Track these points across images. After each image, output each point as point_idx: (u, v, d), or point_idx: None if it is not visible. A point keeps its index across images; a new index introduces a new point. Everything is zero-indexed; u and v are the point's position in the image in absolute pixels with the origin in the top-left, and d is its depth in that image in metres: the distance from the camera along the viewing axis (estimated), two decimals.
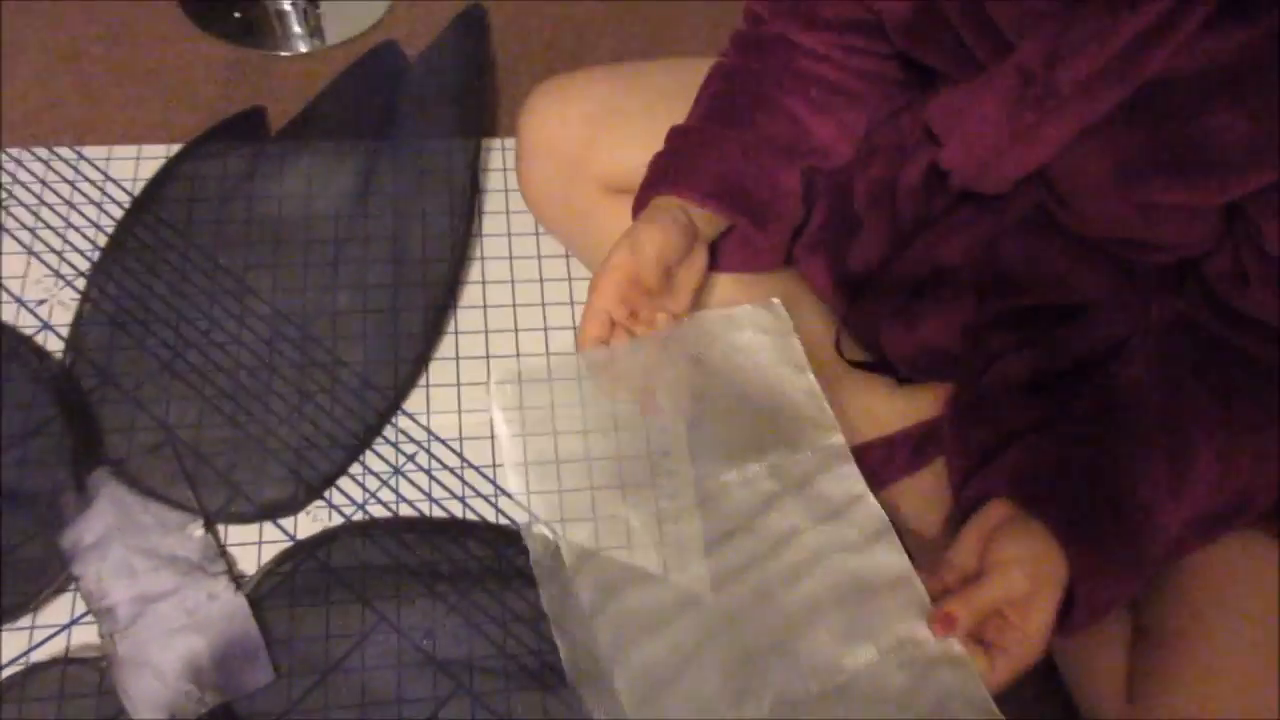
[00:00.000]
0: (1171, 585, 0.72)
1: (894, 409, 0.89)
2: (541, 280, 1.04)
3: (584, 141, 0.89)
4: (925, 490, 0.84)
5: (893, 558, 0.73)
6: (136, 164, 1.07)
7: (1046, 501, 0.67)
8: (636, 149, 0.82)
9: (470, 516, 0.90)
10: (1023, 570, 0.65)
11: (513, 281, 1.04)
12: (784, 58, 0.80)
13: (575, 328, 1.00)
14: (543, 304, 1.02)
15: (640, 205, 0.79)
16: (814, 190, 0.85)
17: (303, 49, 1.21)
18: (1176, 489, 0.66)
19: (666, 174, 0.78)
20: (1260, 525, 0.70)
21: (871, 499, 0.76)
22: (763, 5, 0.82)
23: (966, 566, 0.67)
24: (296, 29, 1.23)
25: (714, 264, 0.83)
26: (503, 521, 0.90)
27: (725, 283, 0.88)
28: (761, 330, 0.81)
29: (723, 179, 0.77)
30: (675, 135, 0.81)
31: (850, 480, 0.77)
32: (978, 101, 0.68)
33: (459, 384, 0.97)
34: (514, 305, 1.02)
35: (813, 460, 0.78)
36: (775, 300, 0.83)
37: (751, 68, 0.81)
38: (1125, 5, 0.58)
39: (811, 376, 0.80)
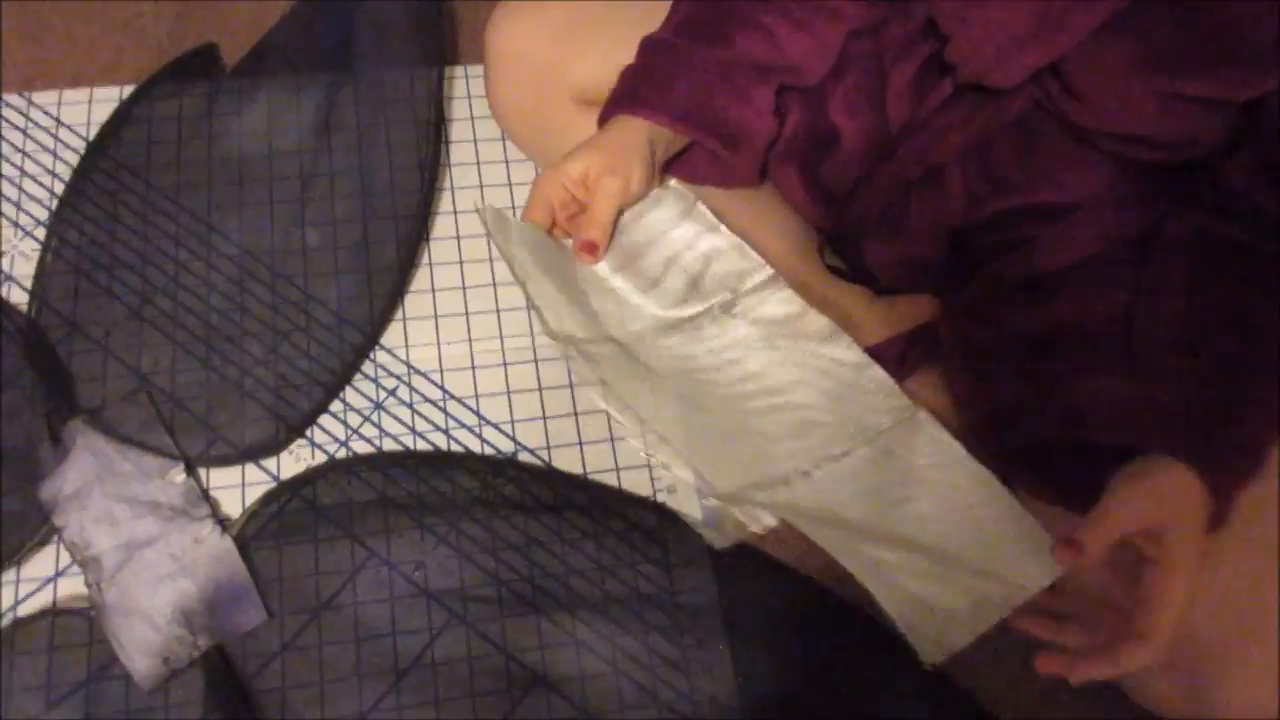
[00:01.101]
0: None
1: (873, 320, 0.89)
2: (514, 207, 1.02)
3: (554, 53, 0.87)
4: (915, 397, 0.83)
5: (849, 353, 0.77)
6: (89, 107, 1.04)
7: (1202, 455, 0.63)
8: (609, 60, 0.80)
9: (455, 448, 0.89)
10: (1152, 495, 0.62)
11: (482, 185, 1.02)
12: None
13: None
14: (516, 206, 1.00)
15: (606, 118, 0.77)
16: (785, 103, 0.84)
17: None
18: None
19: (637, 93, 0.76)
20: None
21: (814, 313, 0.78)
22: None
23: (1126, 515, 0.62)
24: None
25: (685, 175, 0.81)
26: (488, 451, 0.90)
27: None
28: (668, 208, 0.80)
29: (694, 101, 0.75)
30: (647, 49, 0.79)
31: (790, 302, 0.78)
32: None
33: (436, 316, 0.96)
34: (487, 234, 1.00)
35: (753, 296, 0.78)
36: (671, 181, 0.81)
37: None
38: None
39: (726, 230, 0.80)
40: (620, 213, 0.77)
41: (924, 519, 0.71)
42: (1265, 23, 0.59)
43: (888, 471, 0.74)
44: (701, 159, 0.81)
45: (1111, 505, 0.62)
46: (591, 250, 0.75)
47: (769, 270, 0.79)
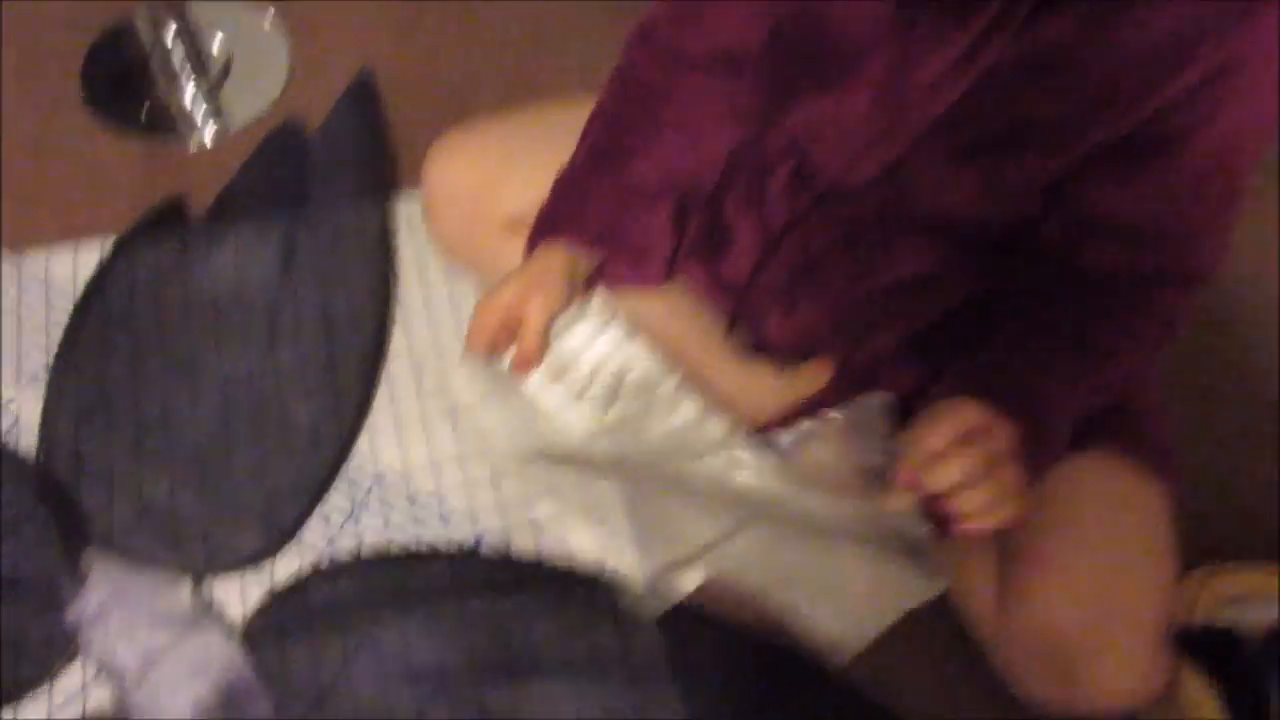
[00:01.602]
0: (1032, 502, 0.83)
1: (778, 391, 1.02)
2: (458, 320, 1.15)
3: (485, 186, 0.99)
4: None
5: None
6: (74, 262, 1.16)
7: (994, 395, 0.74)
8: (534, 189, 0.93)
9: (424, 540, 1.02)
10: (968, 406, 0.72)
11: (431, 324, 1.15)
12: (654, 102, 0.91)
13: None
14: (462, 335, 1.14)
15: (532, 246, 0.90)
16: (686, 212, 0.98)
17: (209, 135, 1.30)
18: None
19: (555, 222, 0.90)
20: (1119, 447, 0.83)
21: (713, 420, 0.93)
22: (636, 51, 0.93)
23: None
24: (201, 117, 1.32)
25: (605, 283, 0.94)
26: (454, 540, 1.02)
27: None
28: (591, 321, 0.93)
29: (603, 224, 0.89)
30: (560, 183, 0.92)
31: (694, 410, 0.92)
32: (841, 109, 0.80)
33: (398, 423, 1.08)
34: (437, 345, 1.14)
35: (664, 407, 0.93)
36: (595, 295, 0.94)
37: (626, 112, 0.92)
38: (959, 14, 0.70)
39: (640, 341, 0.94)
40: (549, 328, 0.90)
41: (827, 550, 0.85)
42: (1050, 108, 0.72)
43: (794, 525, 0.88)
44: (616, 270, 0.95)
45: (919, 427, 0.73)
46: (527, 364, 0.87)
47: (675, 379, 0.93)
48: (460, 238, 1.05)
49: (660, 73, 0.91)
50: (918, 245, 0.88)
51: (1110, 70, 0.68)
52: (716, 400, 1.02)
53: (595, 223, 0.89)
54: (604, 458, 0.89)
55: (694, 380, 1.03)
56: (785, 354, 1.00)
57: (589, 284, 0.94)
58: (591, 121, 0.94)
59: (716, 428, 0.92)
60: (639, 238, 0.91)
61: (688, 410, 0.92)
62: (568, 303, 0.89)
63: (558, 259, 0.88)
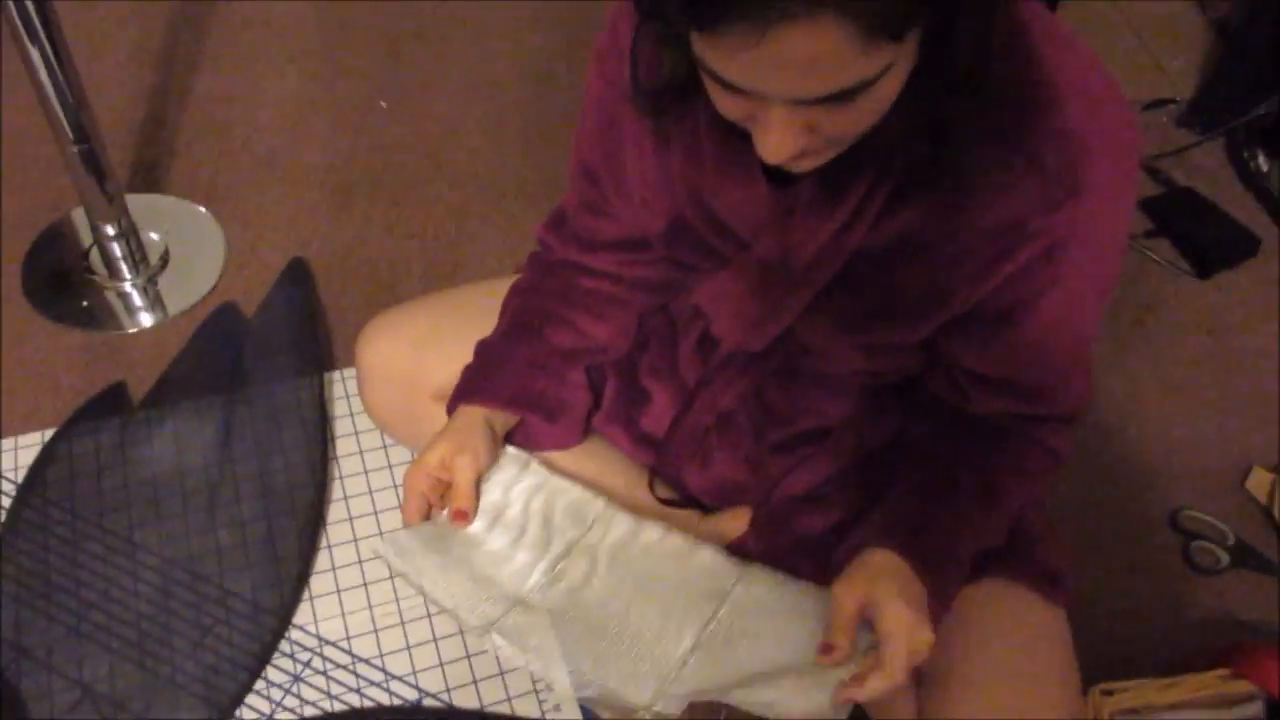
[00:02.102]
0: (943, 634, 0.88)
1: (704, 536, 1.09)
2: (395, 486, 1.21)
3: (414, 362, 1.06)
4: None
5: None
6: (15, 454, 1.20)
7: (906, 544, 0.83)
8: (460, 363, 1.00)
9: (367, 704, 1.04)
10: (869, 572, 0.81)
11: (370, 492, 1.20)
12: (568, 278, 1.00)
13: None
14: (400, 507, 1.19)
15: (452, 409, 0.97)
16: (601, 375, 1.06)
17: (148, 323, 1.37)
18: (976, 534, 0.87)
19: (473, 386, 0.97)
20: (1014, 575, 0.89)
21: (648, 525, 0.99)
22: (550, 235, 1.02)
23: (849, 602, 0.81)
24: (140, 307, 1.39)
25: (522, 443, 1.00)
26: (396, 703, 1.05)
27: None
28: (509, 468, 0.99)
29: (518, 387, 0.96)
30: (479, 351, 0.99)
31: (626, 522, 0.98)
32: (735, 285, 0.89)
33: (339, 590, 1.12)
34: (375, 512, 1.19)
35: (598, 528, 0.98)
36: (508, 448, 1.00)
37: (543, 287, 1.01)
38: (828, 206, 0.79)
39: (558, 477, 1.00)
40: (477, 482, 0.95)
41: (779, 643, 0.90)
42: (915, 282, 0.82)
43: (741, 620, 0.92)
44: (534, 430, 1.01)
45: (838, 595, 0.81)
46: (463, 516, 0.92)
47: (603, 500, 0.99)
48: (394, 411, 1.11)
49: (572, 252, 0.99)
50: (818, 400, 0.97)
51: (955, 254, 0.78)
52: None
53: (508, 386, 0.96)
54: (562, 604, 0.94)
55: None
56: (705, 503, 1.07)
57: (504, 443, 1.00)
58: (511, 296, 1.02)
59: (652, 530, 0.98)
60: (552, 397, 0.99)
61: (622, 523, 0.98)
62: (492, 458, 0.95)
63: (476, 419, 0.95)
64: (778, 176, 0.80)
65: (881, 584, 0.81)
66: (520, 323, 1.00)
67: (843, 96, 0.62)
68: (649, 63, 0.77)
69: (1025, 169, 0.73)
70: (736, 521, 1.08)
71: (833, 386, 0.97)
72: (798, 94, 0.63)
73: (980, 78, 0.67)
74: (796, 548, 0.97)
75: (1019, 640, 0.88)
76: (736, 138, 0.75)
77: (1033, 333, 0.82)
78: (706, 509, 1.08)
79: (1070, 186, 0.74)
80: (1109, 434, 1.34)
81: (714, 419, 1.00)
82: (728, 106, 0.68)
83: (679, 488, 1.07)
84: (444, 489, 0.94)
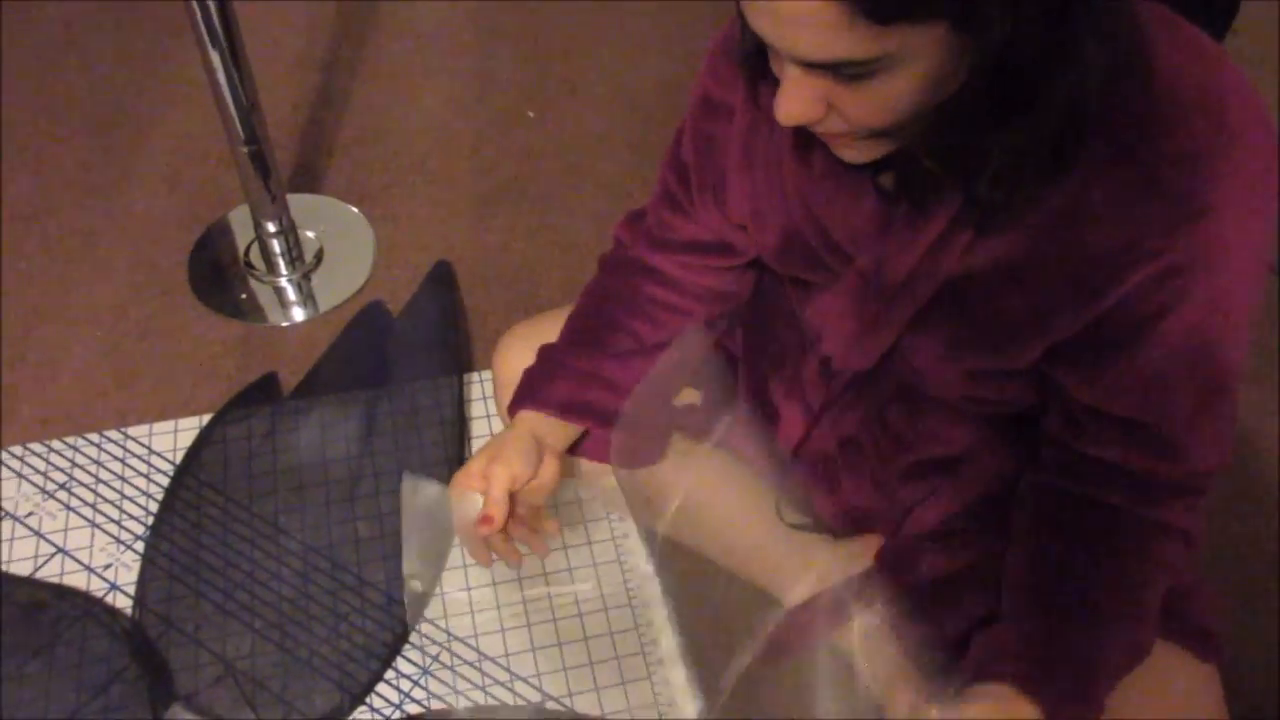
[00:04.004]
0: None
1: (834, 561, 1.07)
2: None
3: None
4: (872, 629, 1.00)
5: None
6: (174, 436, 1.26)
7: (1010, 669, 0.79)
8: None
9: (491, 702, 1.06)
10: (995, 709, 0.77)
11: None
12: (633, 283, 1.00)
13: (562, 527, 1.19)
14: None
15: (512, 413, 0.97)
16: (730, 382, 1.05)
17: (300, 318, 1.42)
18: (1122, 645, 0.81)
19: (528, 392, 0.97)
20: (1162, 633, 0.83)
21: None
22: (624, 231, 1.02)
23: None
24: (294, 301, 1.45)
25: (590, 455, 1.01)
26: (519, 703, 1.06)
27: (668, 464, 1.07)
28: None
29: (570, 396, 0.96)
30: (541, 355, 1.00)
31: None
32: (835, 301, 0.88)
33: (469, 588, 1.14)
34: None
35: None
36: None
37: (608, 290, 1.01)
38: (920, 221, 0.77)
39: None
40: (506, 492, 0.91)
41: None
42: (1018, 306, 0.77)
43: None
44: (596, 440, 1.00)
45: (965, 707, 0.77)
46: (488, 521, 0.90)
47: None
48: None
49: (641, 249, 0.99)
50: (939, 426, 0.94)
51: (1059, 277, 0.73)
52: (763, 571, 1.07)
53: (561, 393, 0.96)
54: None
55: (742, 550, 1.08)
56: (835, 528, 1.05)
57: (573, 452, 1.00)
58: (581, 296, 1.03)
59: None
60: (610, 410, 0.97)
61: None
62: (531, 469, 0.92)
63: (523, 427, 0.94)
64: (885, 192, 0.78)
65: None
66: (581, 328, 1.00)
67: (842, 72, 0.62)
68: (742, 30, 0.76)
69: (1140, 190, 0.68)
70: (866, 551, 1.07)
71: (952, 413, 0.93)
72: (794, 52, 0.63)
73: (1047, 102, 0.63)
74: (922, 591, 0.94)
75: (1169, 703, 0.83)
76: None
77: (1147, 364, 0.75)
78: (835, 535, 1.07)
79: (1192, 210, 0.68)
80: (1259, 463, 1.26)
81: (837, 443, 0.99)
82: (773, 63, 0.68)
83: (808, 510, 1.06)
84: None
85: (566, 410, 0.96)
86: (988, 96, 0.63)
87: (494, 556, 0.93)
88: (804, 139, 0.80)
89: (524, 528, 0.94)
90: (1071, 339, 0.76)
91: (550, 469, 0.95)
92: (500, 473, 0.90)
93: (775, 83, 0.69)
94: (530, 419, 0.95)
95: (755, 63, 0.75)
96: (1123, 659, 0.80)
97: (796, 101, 0.66)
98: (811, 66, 0.63)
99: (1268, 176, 0.70)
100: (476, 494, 0.91)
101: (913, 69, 0.62)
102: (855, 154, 0.73)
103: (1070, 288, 0.73)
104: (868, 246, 0.82)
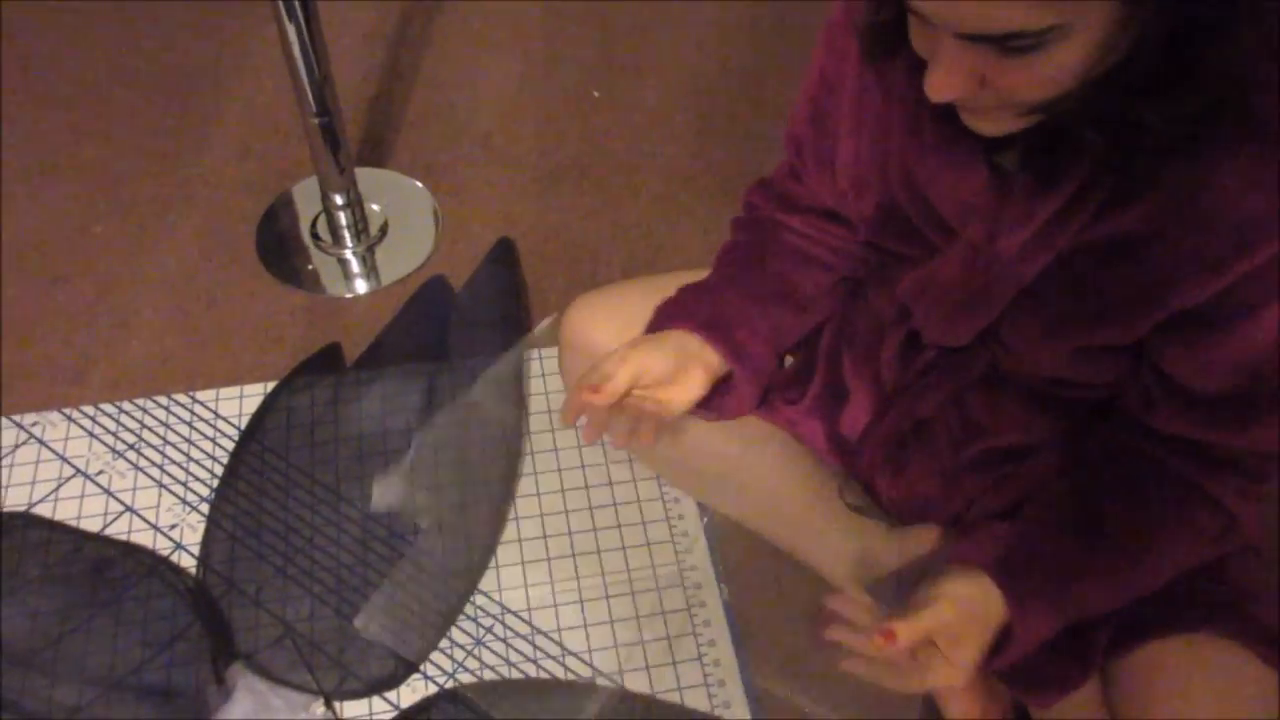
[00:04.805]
0: (1138, 683, 0.85)
1: (889, 550, 1.06)
2: (583, 466, 1.23)
3: (617, 341, 1.08)
4: None
5: None
6: (240, 402, 1.28)
7: (990, 555, 0.82)
8: None
9: (543, 675, 1.07)
10: (955, 606, 0.79)
11: (559, 470, 1.23)
12: (773, 233, 1.01)
13: (615, 504, 1.20)
14: (586, 487, 1.21)
15: (654, 331, 0.96)
16: (810, 364, 1.04)
17: (364, 290, 1.44)
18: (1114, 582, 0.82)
19: (667, 313, 0.97)
20: (1227, 632, 0.83)
21: None
22: (757, 195, 1.03)
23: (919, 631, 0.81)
24: (358, 273, 1.47)
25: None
26: (570, 678, 1.07)
27: (727, 440, 1.07)
28: None
29: (712, 315, 0.95)
30: (684, 288, 1.00)
31: None
32: (940, 271, 0.86)
33: (523, 562, 1.15)
34: (562, 490, 1.21)
35: None
36: None
37: (749, 241, 1.02)
38: (1041, 194, 0.76)
39: None
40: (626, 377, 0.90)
41: None
42: (1131, 283, 0.76)
43: None
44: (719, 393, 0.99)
45: (927, 614, 0.79)
46: (594, 391, 0.89)
47: None
48: None
49: (777, 211, 1.00)
50: (1021, 412, 0.93)
51: (1185, 250, 0.72)
52: (821, 556, 1.06)
53: (706, 313, 0.95)
54: None
55: (800, 534, 1.08)
56: (896, 514, 1.04)
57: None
58: (719, 255, 1.03)
59: None
60: (744, 332, 0.96)
61: None
62: (665, 368, 0.91)
63: (666, 336, 0.94)
64: (997, 166, 0.77)
65: (969, 627, 0.80)
66: (727, 267, 1.01)
67: (1008, 44, 0.61)
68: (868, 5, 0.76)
69: (1270, 167, 0.67)
70: (923, 541, 1.06)
71: (1038, 399, 0.92)
72: (959, 24, 0.61)
73: (1204, 76, 0.62)
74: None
75: (1232, 705, 0.81)
76: (958, 120, 0.74)
77: (1244, 345, 0.74)
78: (895, 521, 1.06)
79: None
80: None
81: (911, 426, 0.98)
82: (916, 39, 0.67)
83: (870, 494, 1.05)
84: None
85: (708, 327, 0.94)
86: (1149, 68, 0.62)
87: (580, 422, 0.93)
88: (916, 110, 0.79)
89: (625, 416, 0.93)
90: (1183, 312, 0.75)
91: (694, 381, 0.93)
92: (627, 357, 0.90)
93: (907, 59, 0.69)
94: (677, 335, 0.94)
95: (884, 36, 0.74)
96: (1107, 593, 0.82)
97: (954, 75, 0.65)
98: (974, 40, 0.62)
99: None
100: (611, 367, 0.90)
101: (1079, 41, 0.61)
102: (993, 127, 0.71)
103: (1195, 261, 0.72)
104: (978, 217, 0.81)
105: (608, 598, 1.13)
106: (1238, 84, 0.64)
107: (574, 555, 1.16)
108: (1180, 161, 0.69)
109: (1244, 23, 0.61)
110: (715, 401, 0.99)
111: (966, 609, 0.80)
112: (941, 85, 0.66)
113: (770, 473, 1.09)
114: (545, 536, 1.17)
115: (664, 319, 0.97)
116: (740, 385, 0.98)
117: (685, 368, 0.93)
